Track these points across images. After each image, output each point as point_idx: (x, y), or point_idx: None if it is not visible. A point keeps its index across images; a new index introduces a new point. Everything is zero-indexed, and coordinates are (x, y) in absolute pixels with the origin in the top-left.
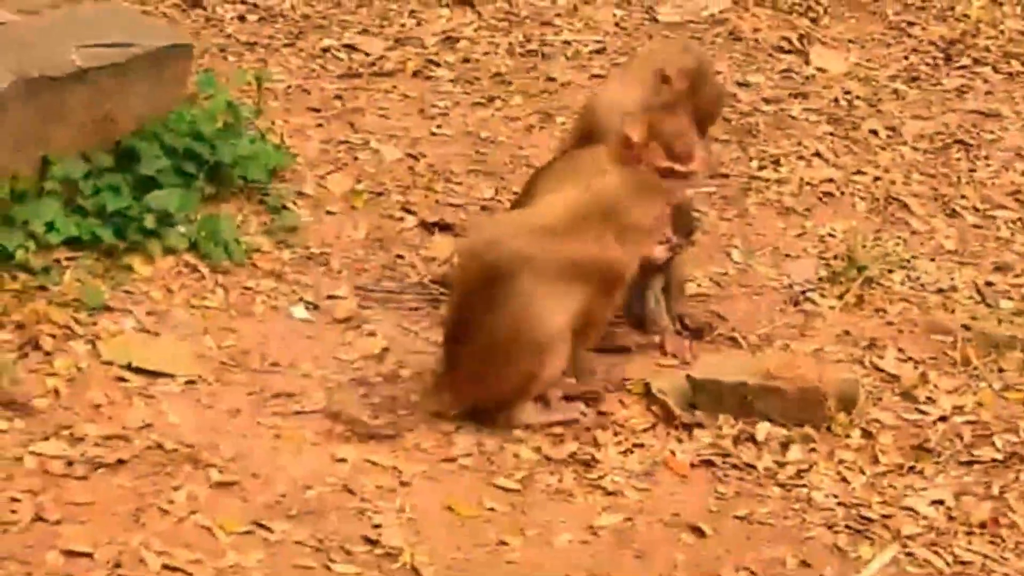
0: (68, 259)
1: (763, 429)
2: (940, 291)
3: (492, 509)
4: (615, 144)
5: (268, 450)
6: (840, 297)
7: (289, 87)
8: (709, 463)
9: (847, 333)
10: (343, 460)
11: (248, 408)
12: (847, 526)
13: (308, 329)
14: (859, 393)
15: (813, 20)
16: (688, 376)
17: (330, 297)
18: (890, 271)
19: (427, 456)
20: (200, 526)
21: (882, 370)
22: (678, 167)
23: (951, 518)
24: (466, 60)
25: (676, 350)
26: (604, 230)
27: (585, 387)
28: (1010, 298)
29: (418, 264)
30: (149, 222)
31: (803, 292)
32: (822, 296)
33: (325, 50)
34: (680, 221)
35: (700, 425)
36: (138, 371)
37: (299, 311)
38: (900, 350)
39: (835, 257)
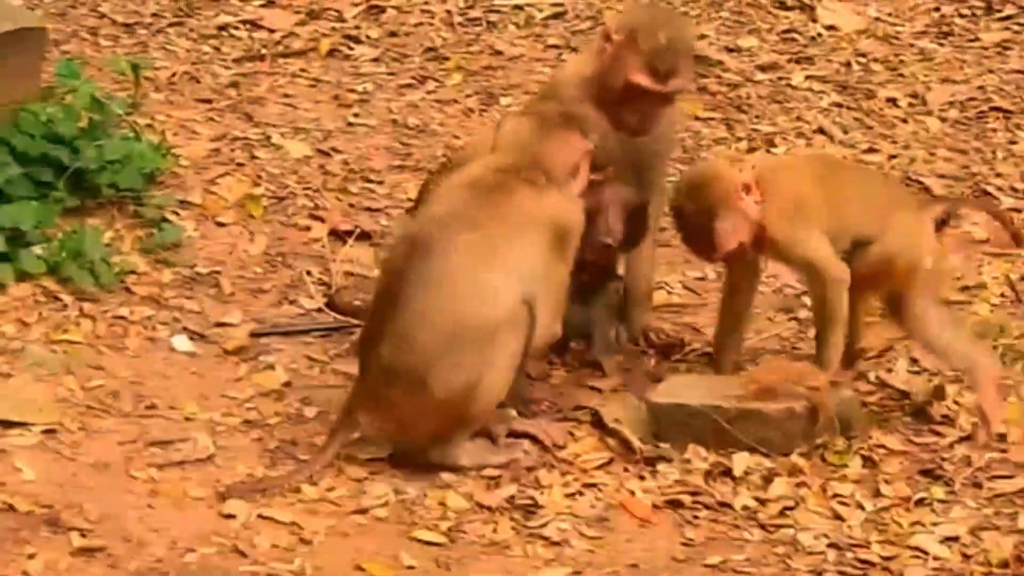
0: None
1: (741, 461)
2: (967, 289)
3: (412, 567)
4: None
5: (142, 508)
6: None
7: (174, 75)
8: (675, 503)
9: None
10: (232, 516)
11: (119, 460)
12: (840, 572)
13: (192, 364)
14: (858, 414)
15: None
16: (648, 402)
17: (219, 325)
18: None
19: (334, 508)
20: None
21: (890, 386)
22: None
23: (966, 557)
24: (393, 34)
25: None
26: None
27: (532, 423)
28: None
29: (329, 281)
30: None
31: (798, 296)
32: None
33: (221, 28)
34: (631, 219)
35: (665, 459)
36: None
37: (181, 342)
38: (913, 361)
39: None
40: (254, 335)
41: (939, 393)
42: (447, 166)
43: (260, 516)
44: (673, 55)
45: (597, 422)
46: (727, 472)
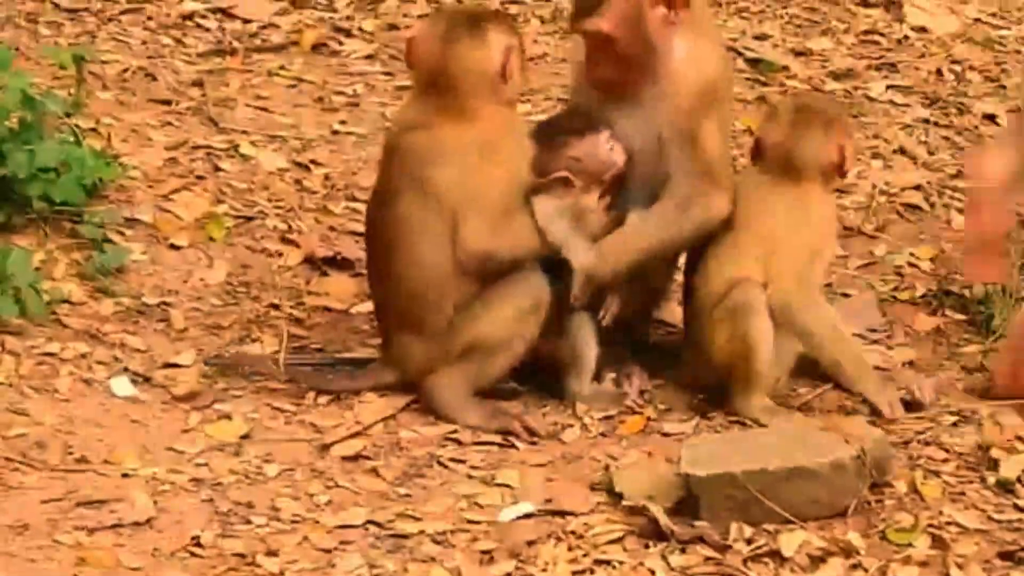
0: None
1: (788, 540)
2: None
3: None
4: None
5: None
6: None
7: (126, 70)
8: None
9: None
10: None
11: (41, 521)
12: None
13: (134, 411)
14: (890, 455)
15: None
16: (684, 475)
17: (167, 366)
18: (990, 315)
19: None
20: None
21: (969, 453)
22: None
23: None
24: (392, 27)
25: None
26: None
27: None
28: None
29: (301, 317)
30: None
31: (870, 343)
32: (891, 348)
33: (185, 17)
34: None
35: (705, 541)
36: None
37: (122, 385)
38: (998, 424)
39: (918, 294)
40: (206, 377)
41: None
42: None
43: None
44: None
45: (611, 488)
46: (769, 551)
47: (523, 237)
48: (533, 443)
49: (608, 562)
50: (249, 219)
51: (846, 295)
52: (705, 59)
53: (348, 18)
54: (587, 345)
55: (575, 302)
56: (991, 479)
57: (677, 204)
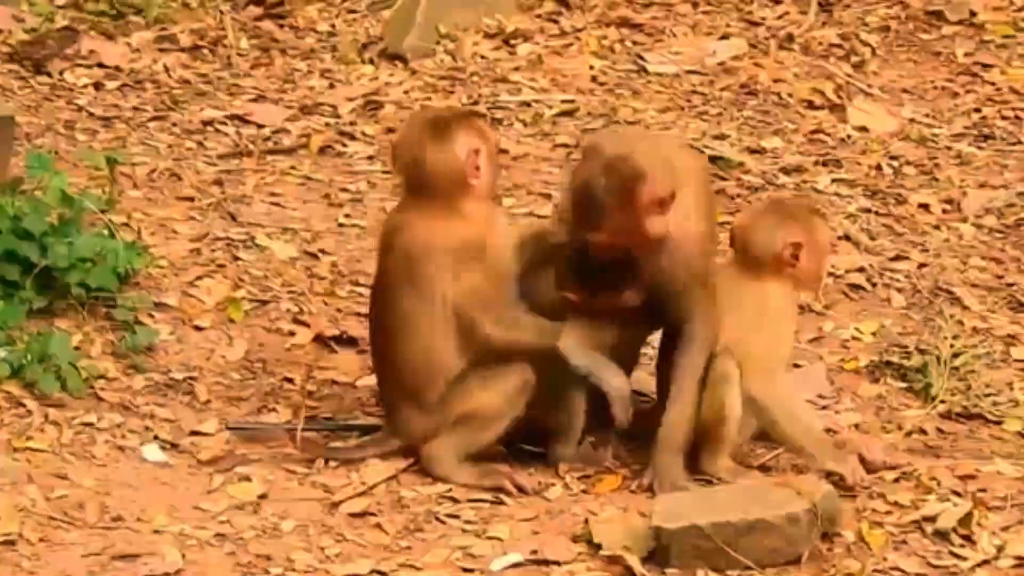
0: None
1: None
2: (995, 404)
3: None
4: None
5: None
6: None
7: (154, 171)
8: None
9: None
10: None
11: (81, 573)
12: None
13: (164, 474)
14: (840, 509)
15: (857, 66)
16: (656, 527)
17: (193, 434)
18: (927, 383)
19: None
20: None
21: (909, 506)
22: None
23: None
24: (390, 131)
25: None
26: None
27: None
28: None
29: (313, 390)
30: None
31: (820, 408)
32: (838, 413)
33: (206, 123)
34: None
35: None
36: None
37: (152, 452)
38: (935, 479)
39: (861, 364)
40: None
41: (965, 517)
42: None
43: None
44: None
45: (591, 541)
46: None
47: (524, 328)
48: (522, 499)
49: None
50: (265, 303)
51: (798, 366)
52: (690, 233)
53: (351, 123)
54: (578, 416)
55: (619, 427)
56: (929, 529)
57: (697, 347)
